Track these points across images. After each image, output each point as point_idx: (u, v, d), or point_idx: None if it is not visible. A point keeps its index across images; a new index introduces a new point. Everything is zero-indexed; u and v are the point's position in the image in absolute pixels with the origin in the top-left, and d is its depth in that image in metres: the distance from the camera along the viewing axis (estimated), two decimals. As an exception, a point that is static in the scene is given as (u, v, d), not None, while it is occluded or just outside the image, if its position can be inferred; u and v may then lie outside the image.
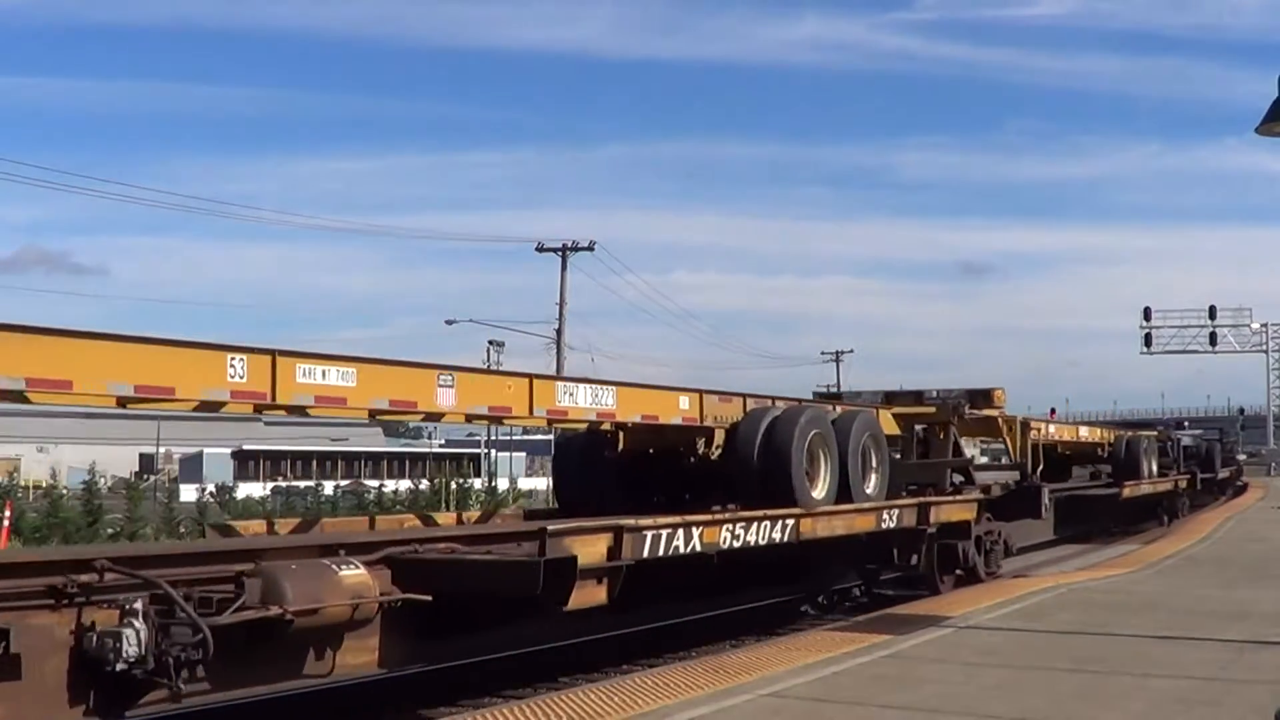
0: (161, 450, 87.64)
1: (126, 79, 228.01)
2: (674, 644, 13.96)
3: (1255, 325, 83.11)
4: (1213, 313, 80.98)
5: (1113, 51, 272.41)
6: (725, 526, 11.98)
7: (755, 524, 12.34)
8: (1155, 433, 33.79)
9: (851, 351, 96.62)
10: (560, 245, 57.14)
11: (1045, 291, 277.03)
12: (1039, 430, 22.21)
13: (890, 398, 18.64)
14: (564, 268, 56.84)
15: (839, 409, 15.57)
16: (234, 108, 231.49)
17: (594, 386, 12.01)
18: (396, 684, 10.99)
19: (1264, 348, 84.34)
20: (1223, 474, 45.15)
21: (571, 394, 11.57)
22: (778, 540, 12.74)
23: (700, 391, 13.23)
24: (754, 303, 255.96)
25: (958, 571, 17.16)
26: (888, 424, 16.43)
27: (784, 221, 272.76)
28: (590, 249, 57.56)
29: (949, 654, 10.43)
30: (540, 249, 57.67)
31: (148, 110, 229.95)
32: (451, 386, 10.33)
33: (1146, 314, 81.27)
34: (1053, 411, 37.50)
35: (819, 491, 13.77)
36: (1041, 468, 21.36)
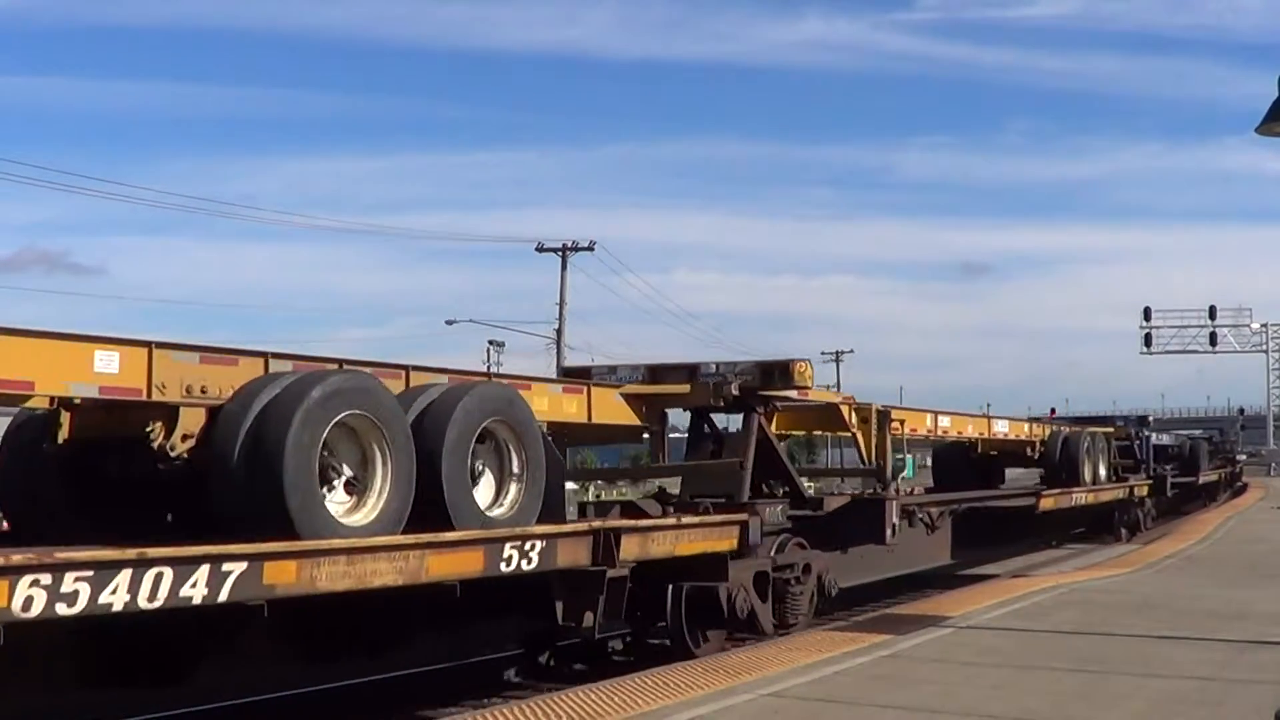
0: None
1: (126, 79, 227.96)
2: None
3: (1255, 325, 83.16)
4: (1213, 313, 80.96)
5: (1114, 52, 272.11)
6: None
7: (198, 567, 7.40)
8: (1109, 429, 28.64)
9: (851, 352, 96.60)
10: (560, 245, 57.15)
11: (1045, 291, 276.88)
12: (903, 424, 17.62)
13: (655, 373, 13.69)
14: (564, 268, 56.87)
15: (446, 382, 10.17)
16: (234, 108, 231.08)
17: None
18: (397, 684, 11.01)
19: (1264, 348, 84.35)
20: (1207, 477, 41.79)
21: None
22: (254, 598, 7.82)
23: (150, 344, 8.22)
24: (755, 302, 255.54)
25: (712, 631, 12.45)
26: (600, 407, 12.34)
27: (785, 221, 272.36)
28: (590, 249, 57.61)
29: (948, 654, 10.43)
30: (540, 249, 57.70)
31: (148, 110, 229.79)
32: None
33: (1146, 314, 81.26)
34: (1053, 411, 37.30)
35: (361, 513, 8.74)
36: (892, 472, 16.29)
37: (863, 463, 16.15)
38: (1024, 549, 24.60)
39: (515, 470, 10.08)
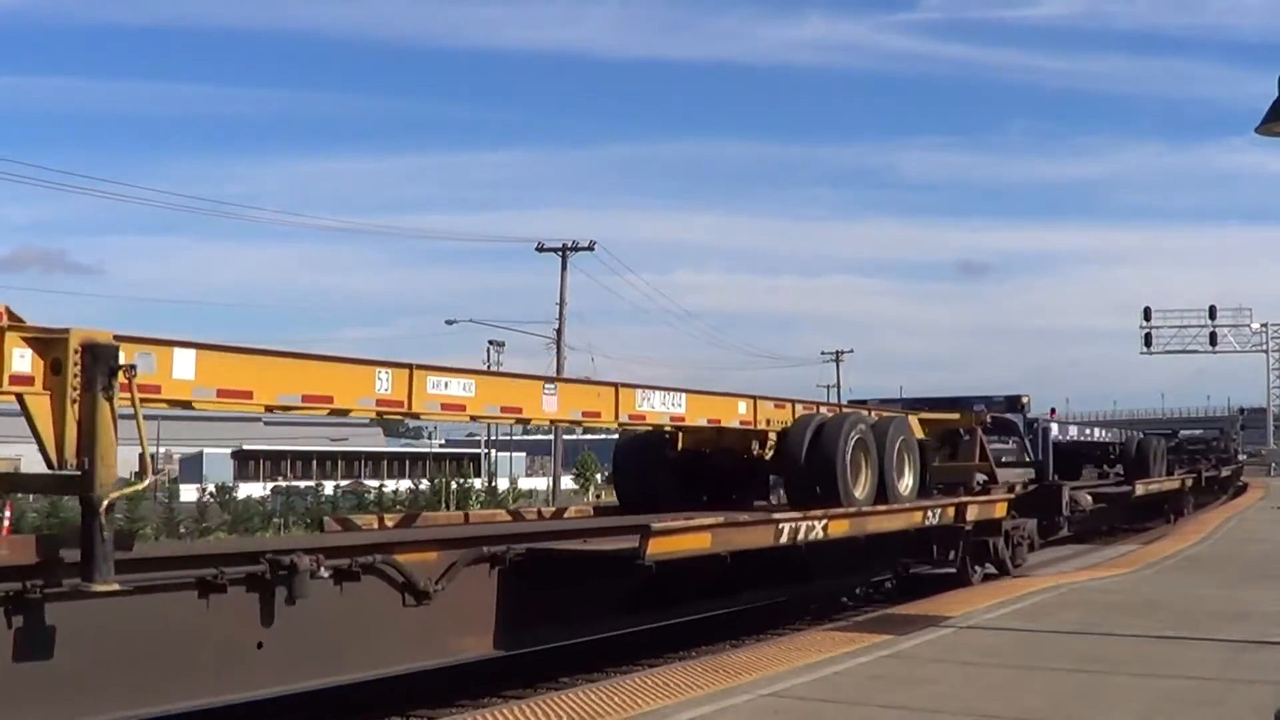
0: (161, 450, 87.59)
1: (126, 79, 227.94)
2: (674, 644, 13.97)
3: (1255, 325, 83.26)
4: (1213, 313, 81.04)
5: (1116, 52, 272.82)
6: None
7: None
8: (943, 416, 19.65)
9: (851, 352, 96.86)
10: (560, 245, 57.18)
11: (1045, 291, 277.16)
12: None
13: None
14: (564, 268, 56.93)
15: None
16: (235, 107, 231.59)
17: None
18: (396, 683, 10.99)
19: (1264, 348, 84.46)
20: (1154, 487, 31.50)
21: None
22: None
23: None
24: (756, 302, 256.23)
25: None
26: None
27: (787, 221, 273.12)
28: (590, 249, 57.66)
29: (949, 654, 10.43)
30: (540, 249, 57.74)
31: (149, 110, 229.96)
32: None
33: (1146, 314, 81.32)
34: (1053, 411, 37.23)
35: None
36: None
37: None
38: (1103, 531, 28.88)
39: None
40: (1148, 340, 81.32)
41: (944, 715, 8.12)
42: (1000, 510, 18.64)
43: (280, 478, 74.39)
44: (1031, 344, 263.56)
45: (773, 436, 15.04)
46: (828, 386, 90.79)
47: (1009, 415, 23.55)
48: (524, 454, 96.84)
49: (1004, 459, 23.48)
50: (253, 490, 58.13)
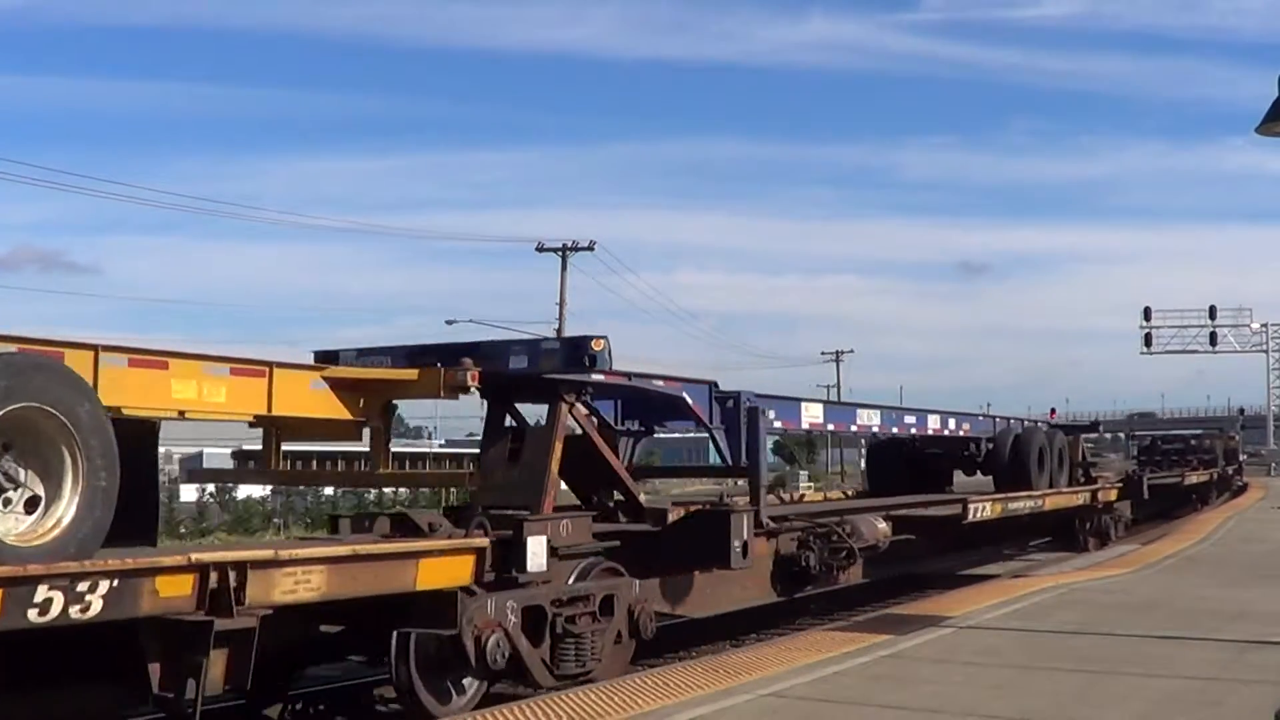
0: (161, 450, 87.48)
1: (126, 79, 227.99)
2: (674, 644, 13.97)
3: (1255, 325, 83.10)
4: (1213, 313, 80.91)
5: (1118, 52, 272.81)
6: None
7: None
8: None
9: (851, 351, 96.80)
10: (560, 245, 57.17)
11: (1045, 291, 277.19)
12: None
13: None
14: (564, 268, 56.91)
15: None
16: (236, 107, 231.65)
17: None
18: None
19: (1264, 348, 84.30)
20: (1022, 505, 21.14)
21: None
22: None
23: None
24: (758, 302, 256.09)
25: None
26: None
27: (789, 221, 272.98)
28: (590, 249, 57.64)
29: (949, 654, 10.42)
30: (540, 249, 57.73)
31: (149, 110, 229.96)
32: None
33: (1146, 314, 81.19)
34: (1053, 411, 37.22)
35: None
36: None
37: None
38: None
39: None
40: (1148, 340, 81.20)
41: (944, 715, 8.11)
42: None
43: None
44: (1031, 344, 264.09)
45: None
46: (828, 386, 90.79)
47: (675, 391, 13.26)
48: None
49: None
50: (252, 490, 58.07)
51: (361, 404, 10.36)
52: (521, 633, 9.93)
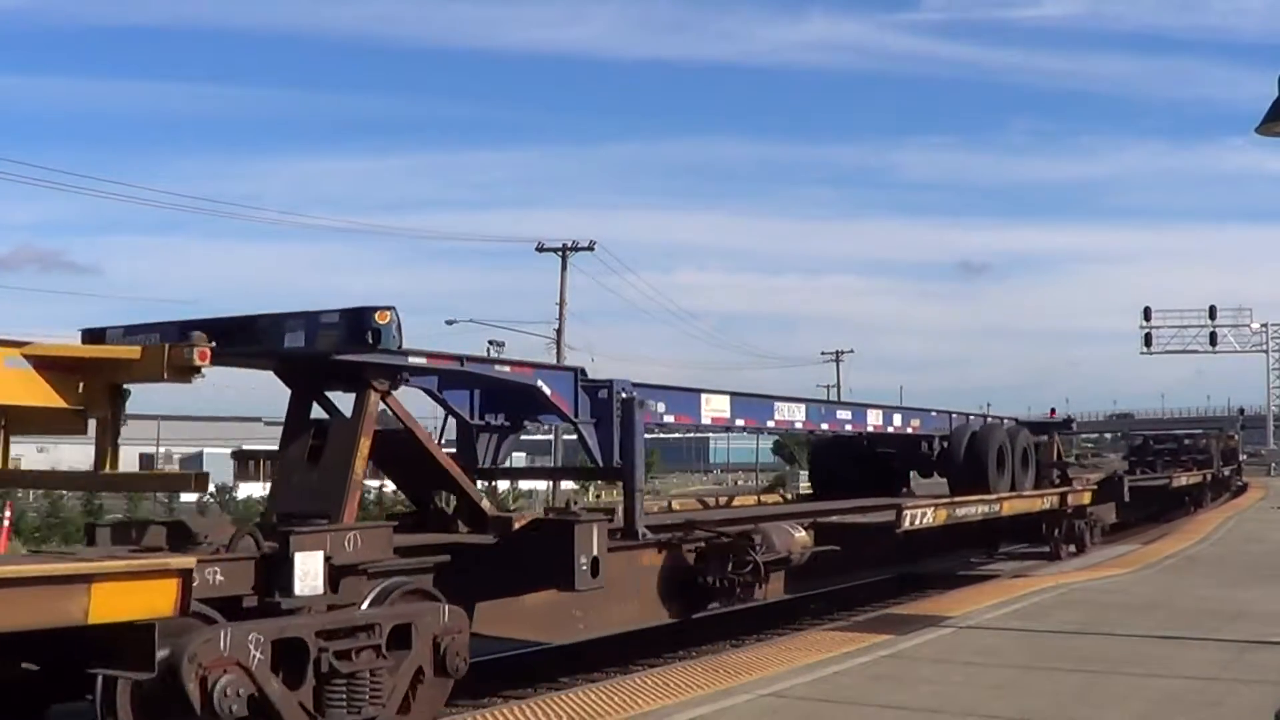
0: (161, 450, 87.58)
1: (126, 79, 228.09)
2: (674, 644, 13.97)
3: (1255, 325, 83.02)
4: (1213, 313, 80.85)
5: (1118, 52, 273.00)
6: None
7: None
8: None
9: (851, 352, 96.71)
10: (560, 245, 57.17)
11: (1045, 291, 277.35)
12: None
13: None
14: (564, 268, 56.92)
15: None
16: (237, 107, 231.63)
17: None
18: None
19: (1264, 348, 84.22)
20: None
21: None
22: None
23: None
24: (759, 302, 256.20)
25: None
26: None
27: (789, 221, 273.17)
28: (590, 249, 57.64)
29: (949, 654, 10.42)
30: (540, 249, 57.73)
31: (148, 110, 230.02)
32: None
33: (1146, 314, 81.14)
34: (1053, 411, 37.15)
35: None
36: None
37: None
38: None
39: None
40: (1148, 340, 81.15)
41: (944, 715, 8.11)
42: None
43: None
44: (1031, 344, 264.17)
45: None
46: (828, 386, 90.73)
47: (526, 379, 11.53)
48: (524, 454, 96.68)
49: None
50: (253, 490, 58.16)
51: (81, 389, 8.28)
52: (271, 673, 7.76)
